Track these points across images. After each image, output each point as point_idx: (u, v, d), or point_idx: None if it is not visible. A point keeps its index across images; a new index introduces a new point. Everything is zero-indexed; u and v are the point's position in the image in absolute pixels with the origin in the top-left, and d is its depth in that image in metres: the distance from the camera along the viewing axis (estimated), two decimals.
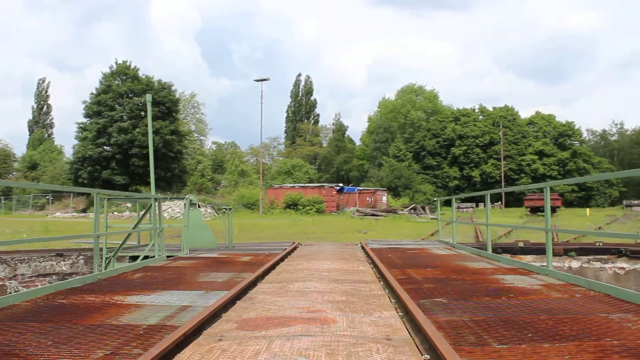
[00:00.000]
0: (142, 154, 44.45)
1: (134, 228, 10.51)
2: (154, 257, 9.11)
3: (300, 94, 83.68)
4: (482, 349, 3.27)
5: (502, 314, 4.26)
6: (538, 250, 10.72)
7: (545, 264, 7.08)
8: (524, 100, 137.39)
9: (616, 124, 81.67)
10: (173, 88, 50.96)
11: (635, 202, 50.78)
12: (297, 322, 4.02)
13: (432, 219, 36.02)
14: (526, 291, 5.38)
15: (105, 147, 46.74)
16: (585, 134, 77.82)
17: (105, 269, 8.44)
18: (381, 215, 37.06)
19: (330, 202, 43.61)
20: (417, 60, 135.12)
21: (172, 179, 47.93)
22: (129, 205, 37.47)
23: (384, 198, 51.97)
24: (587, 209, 50.12)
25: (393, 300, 5.02)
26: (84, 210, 42.29)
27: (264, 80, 46.88)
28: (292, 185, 50.04)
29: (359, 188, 52.46)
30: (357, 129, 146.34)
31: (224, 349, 3.29)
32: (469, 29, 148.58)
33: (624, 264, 10.41)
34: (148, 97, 13.12)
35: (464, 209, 50.69)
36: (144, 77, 49.26)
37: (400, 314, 4.40)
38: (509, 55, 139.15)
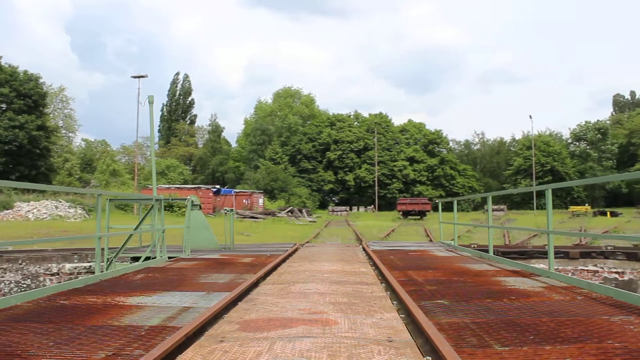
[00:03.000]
0: (4, 150, 42.16)
1: (135, 229, 10.51)
2: (155, 258, 9.12)
3: (178, 93, 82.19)
4: (483, 350, 3.26)
5: (504, 316, 4.26)
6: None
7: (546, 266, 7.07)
8: (396, 107, 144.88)
9: (478, 134, 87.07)
10: (41, 80, 48.47)
11: (495, 207, 54.03)
12: (299, 324, 4.02)
13: (310, 221, 37.80)
14: (528, 293, 5.38)
15: None
16: (451, 143, 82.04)
17: (106, 270, 8.45)
18: (260, 218, 36.80)
19: (206, 203, 42.19)
20: (294, 63, 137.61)
21: (38, 177, 45.08)
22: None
23: (261, 201, 51.81)
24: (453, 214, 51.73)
25: (394, 302, 5.01)
26: None
27: (142, 77, 44.01)
28: (167, 186, 48.34)
29: (235, 190, 52.12)
30: (233, 131, 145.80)
31: (225, 350, 3.29)
32: (345, 36, 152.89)
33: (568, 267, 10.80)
34: (150, 98, 13.11)
35: (339, 212, 52.50)
36: (7, 66, 45.92)
37: (401, 315, 4.40)
38: (382, 64, 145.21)
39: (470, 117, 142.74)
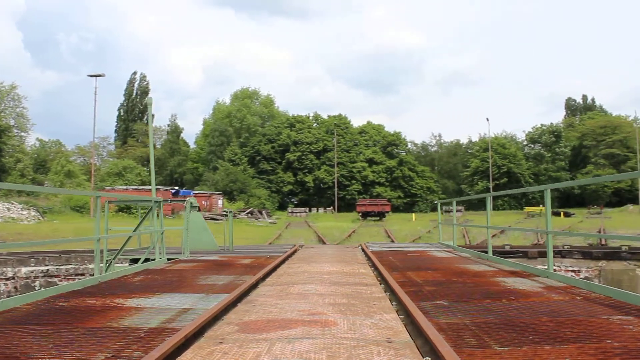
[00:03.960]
0: None
1: (134, 231, 10.50)
2: (154, 259, 9.11)
3: (135, 93, 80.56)
4: (483, 351, 3.27)
5: (503, 316, 4.26)
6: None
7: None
8: (355, 109, 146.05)
9: (435, 136, 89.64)
10: None
11: (451, 207, 53.71)
12: (298, 325, 4.02)
13: (270, 223, 37.82)
14: (527, 293, 5.38)
15: None
16: (409, 145, 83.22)
17: (106, 272, 8.44)
18: (221, 219, 36.43)
19: (165, 205, 42.28)
20: (254, 64, 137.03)
21: None
22: None
23: (220, 202, 51.40)
24: (413, 214, 53.40)
25: (394, 303, 5.01)
26: None
27: (99, 76, 43.34)
28: (125, 187, 47.87)
29: (194, 191, 51.69)
30: (192, 132, 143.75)
31: (225, 351, 3.29)
32: (305, 37, 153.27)
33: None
34: (149, 99, 13.11)
35: (298, 214, 52.76)
36: None
37: (401, 316, 4.40)
38: (342, 66, 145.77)
39: (429, 119, 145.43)
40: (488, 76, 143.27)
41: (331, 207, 64.20)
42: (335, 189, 67.97)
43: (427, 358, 3.19)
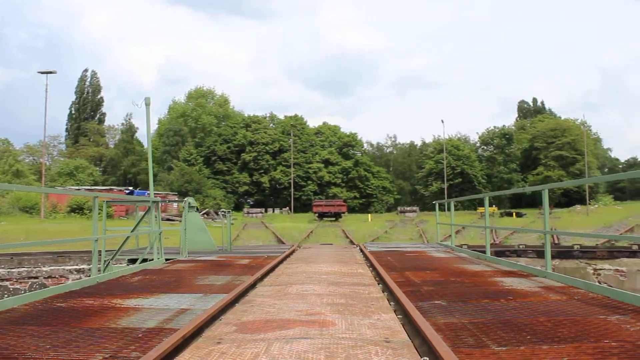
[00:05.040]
0: None
1: (132, 231, 10.49)
2: (152, 260, 9.10)
3: (86, 91, 78.94)
4: (481, 351, 3.27)
5: (501, 316, 4.27)
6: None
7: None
8: (312, 110, 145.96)
9: (391, 137, 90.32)
10: None
11: (408, 208, 56.56)
12: (296, 325, 4.02)
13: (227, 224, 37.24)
14: (525, 293, 5.39)
15: None
16: (365, 145, 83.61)
17: (103, 272, 8.43)
18: (177, 220, 35.97)
19: (119, 206, 41.07)
20: (210, 64, 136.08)
21: None
22: None
23: (175, 203, 50.10)
24: (369, 215, 53.75)
25: (392, 303, 5.01)
26: None
27: (50, 73, 41.88)
28: (77, 188, 47.03)
29: (149, 192, 50.74)
30: (146, 131, 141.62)
31: (222, 351, 3.29)
32: (263, 38, 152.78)
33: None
34: (147, 100, 13.09)
35: (254, 214, 52.87)
36: None
37: (399, 316, 4.40)
38: (299, 66, 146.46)
39: (384, 121, 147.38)
40: (443, 79, 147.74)
41: (287, 207, 63.39)
42: (292, 190, 67.34)
43: (425, 358, 3.19)
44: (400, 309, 4.61)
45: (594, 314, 4.26)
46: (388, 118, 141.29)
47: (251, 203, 72.28)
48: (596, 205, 56.22)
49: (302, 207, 65.62)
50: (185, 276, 7.19)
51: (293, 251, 11.50)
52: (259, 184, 72.29)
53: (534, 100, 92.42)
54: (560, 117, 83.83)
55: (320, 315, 4.41)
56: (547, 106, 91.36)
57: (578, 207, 52.80)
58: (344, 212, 47.59)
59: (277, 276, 7.19)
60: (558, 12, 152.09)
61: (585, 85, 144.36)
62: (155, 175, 66.63)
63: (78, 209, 40.66)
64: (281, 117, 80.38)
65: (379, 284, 6.39)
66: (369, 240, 21.17)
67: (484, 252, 9.31)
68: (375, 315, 4.38)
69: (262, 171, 72.69)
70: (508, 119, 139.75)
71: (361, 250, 11.28)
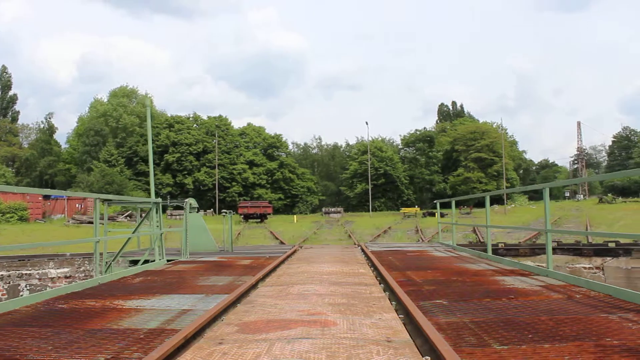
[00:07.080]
0: None
1: (133, 232, 10.50)
2: (154, 261, 9.11)
3: None
4: (482, 350, 3.27)
5: (503, 315, 4.27)
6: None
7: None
8: (236, 110, 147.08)
9: (316, 138, 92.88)
10: None
11: (332, 209, 57.41)
12: (298, 325, 4.02)
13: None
14: (526, 292, 5.39)
15: None
16: (290, 147, 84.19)
17: (105, 274, 8.43)
18: (100, 223, 35.37)
19: (35, 209, 39.48)
20: (132, 62, 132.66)
21: None
22: None
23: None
24: (294, 216, 54.26)
25: (393, 303, 5.01)
26: None
27: None
28: None
29: (67, 194, 49.57)
30: (63, 130, 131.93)
31: (224, 352, 3.29)
32: (187, 37, 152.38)
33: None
34: (147, 101, 13.09)
35: (177, 216, 51.13)
36: None
37: (400, 315, 4.40)
38: (223, 66, 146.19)
39: (310, 122, 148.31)
40: (367, 81, 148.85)
41: (212, 209, 62.61)
42: (216, 191, 66.99)
43: (427, 357, 3.19)
44: (401, 309, 4.60)
45: (595, 313, 4.26)
46: (314, 119, 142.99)
47: (174, 205, 71.51)
48: (512, 205, 58.47)
49: (227, 208, 63.91)
50: (186, 277, 7.20)
51: (294, 251, 11.50)
52: (182, 185, 70.90)
53: (454, 103, 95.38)
54: (478, 121, 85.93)
55: (322, 315, 4.41)
56: (466, 110, 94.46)
57: (496, 206, 54.10)
58: (269, 214, 47.98)
59: (279, 276, 7.19)
60: (476, 18, 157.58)
61: (501, 89, 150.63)
62: (73, 177, 64.24)
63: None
64: (205, 117, 79.03)
65: (380, 283, 6.38)
66: (299, 240, 21.39)
67: (485, 251, 9.32)
68: (376, 315, 4.38)
69: (185, 172, 71.41)
70: (429, 122, 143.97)
71: (362, 250, 11.28)
